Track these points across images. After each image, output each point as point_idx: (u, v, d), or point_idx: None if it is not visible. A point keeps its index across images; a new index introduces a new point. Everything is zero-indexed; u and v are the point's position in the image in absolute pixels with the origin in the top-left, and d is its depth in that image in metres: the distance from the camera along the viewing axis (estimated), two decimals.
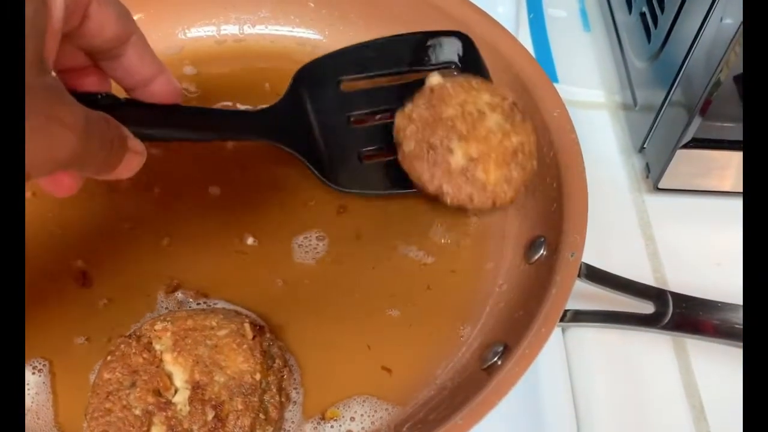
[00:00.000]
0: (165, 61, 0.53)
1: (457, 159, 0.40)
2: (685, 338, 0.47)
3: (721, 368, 0.47)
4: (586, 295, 0.42)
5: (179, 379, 0.37)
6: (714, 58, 0.46)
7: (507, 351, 0.38)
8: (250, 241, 0.46)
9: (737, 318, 0.39)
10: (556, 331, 0.48)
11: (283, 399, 0.38)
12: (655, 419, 0.46)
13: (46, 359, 0.41)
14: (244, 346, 0.38)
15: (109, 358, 0.38)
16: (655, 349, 0.49)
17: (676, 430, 0.45)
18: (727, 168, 0.53)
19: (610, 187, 0.59)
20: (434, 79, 0.44)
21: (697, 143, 0.51)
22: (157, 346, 0.38)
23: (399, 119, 0.43)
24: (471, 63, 0.48)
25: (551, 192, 0.43)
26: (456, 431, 0.34)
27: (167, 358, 0.37)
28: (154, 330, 0.38)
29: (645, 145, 0.57)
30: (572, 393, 0.46)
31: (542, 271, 0.40)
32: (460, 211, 0.46)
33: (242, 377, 0.36)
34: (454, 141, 0.40)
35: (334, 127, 0.46)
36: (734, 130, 0.50)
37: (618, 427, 0.45)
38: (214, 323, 0.38)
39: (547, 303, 0.37)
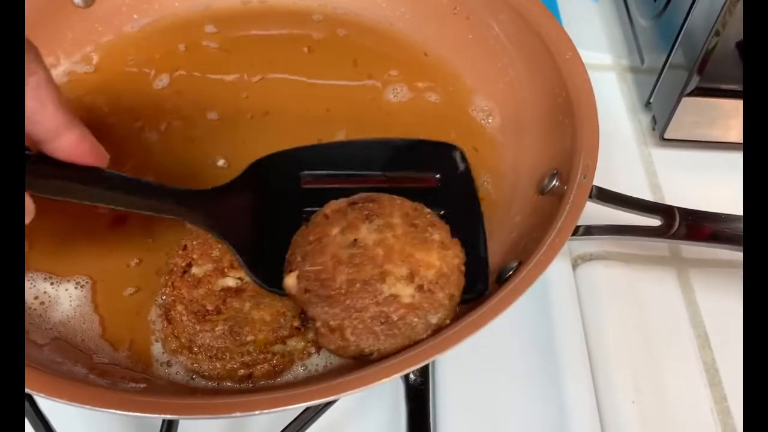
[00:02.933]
0: (188, 18, 0.58)
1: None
2: (689, 269, 0.50)
3: (724, 300, 0.49)
4: (596, 217, 0.44)
5: None
6: (714, 10, 0.48)
7: (520, 266, 0.40)
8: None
9: (739, 226, 0.41)
10: (567, 268, 0.51)
11: None
12: (663, 349, 0.48)
13: (90, 277, 0.43)
14: None
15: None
16: (661, 284, 0.51)
17: (682, 358, 0.47)
18: (732, 117, 0.55)
19: (617, 142, 0.61)
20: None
21: (702, 91, 0.53)
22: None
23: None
24: (457, 178, 0.47)
25: (563, 129, 0.46)
26: (463, 333, 0.35)
27: None
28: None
29: (651, 100, 0.60)
30: (583, 327, 0.48)
31: (555, 199, 0.42)
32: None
33: None
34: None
35: (283, 224, 0.42)
36: (737, 78, 0.52)
37: (627, 355, 0.47)
38: None
39: (560, 219, 0.39)
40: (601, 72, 0.66)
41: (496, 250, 0.44)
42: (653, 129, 0.60)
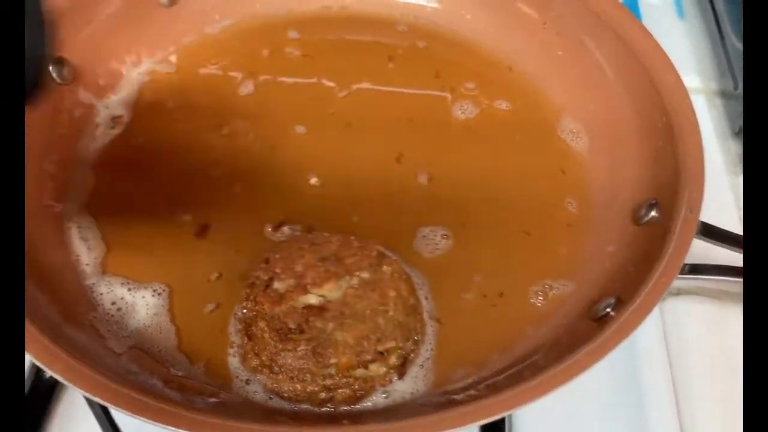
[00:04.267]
0: (269, 21, 0.57)
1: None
2: None
3: None
4: (695, 253, 0.42)
5: None
6: None
7: (619, 303, 0.37)
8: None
9: None
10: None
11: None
12: None
13: (168, 285, 0.42)
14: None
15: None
16: None
17: None
18: None
19: (706, 170, 0.58)
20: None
21: None
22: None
23: None
24: None
25: (664, 156, 0.43)
26: (564, 376, 0.33)
27: None
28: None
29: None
30: (670, 366, 0.45)
31: (655, 231, 0.40)
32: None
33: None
34: None
35: None
36: None
37: (717, 399, 0.45)
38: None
39: (665, 257, 0.37)
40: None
41: (587, 281, 0.42)
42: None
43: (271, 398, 0.37)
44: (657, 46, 0.47)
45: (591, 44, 0.51)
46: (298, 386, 0.37)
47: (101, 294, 0.41)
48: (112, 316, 0.40)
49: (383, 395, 0.38)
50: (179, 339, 0.40)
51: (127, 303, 0.41)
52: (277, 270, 0.40)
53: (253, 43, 0.55)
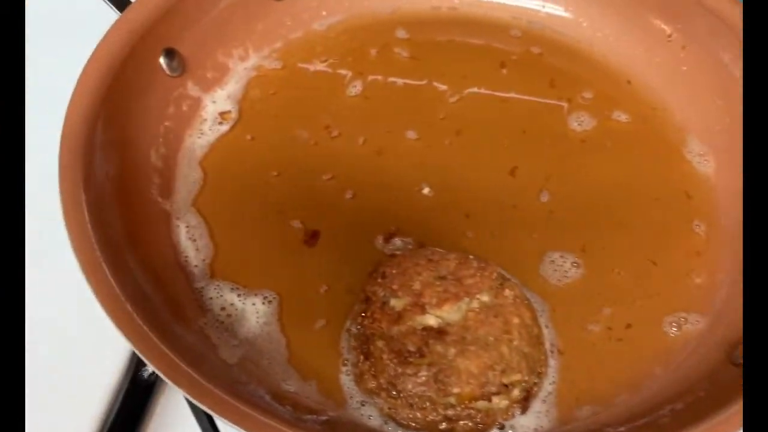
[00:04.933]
0: (376, 19, 0.55)
1: None
2: None
3: None
4: None
5: None
6: None
7: None
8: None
9: None
10: None
11: None
12: None
13: (277, 294, 0.40)
14: None
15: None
16: None
17: None
18: None
19: None
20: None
21: None
22: None
23: None
24: None
25: None
26: None
27: None
28: None
29: None
30: None
31: None
32: None
33: None
34: None
35: None
36: None
37: None
38: None
39: None
40: None
41: (724, 318, 0.39)
42: None
43: (386, 423, 0.36)
44: None
45: (725, 59, 0.48)
46: (418, 414, 0.35)
47: (210, 298, 0.40)
48: (222, 322, 0.39)
49: (508, 430, 0.35)
50: (290, 352, 0.39)
51: (236, 309, 0.40)
52: (395, 287, 0.38)
53: (360, 42, 0.53)
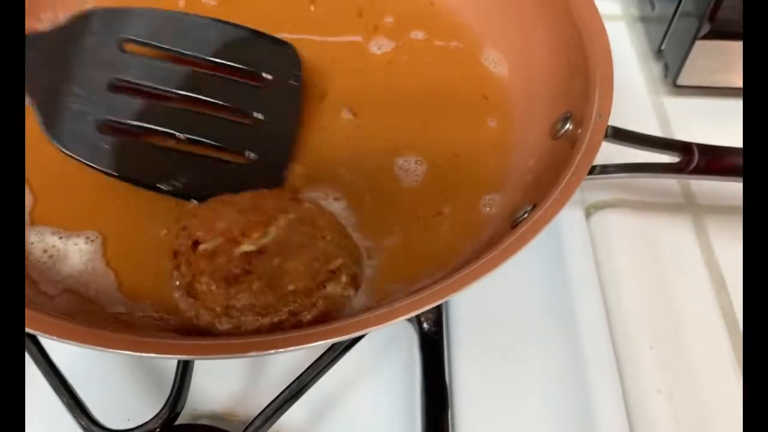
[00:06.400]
0: None
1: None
2: (704, 215, 0.51)
3: (740, 244, 0.48)
4: (611, 160, 0.43)
5: None
6: None
7: (535, 208, 0.39)
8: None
9: None
10: (580, 217, 0.50)
11: None
12: (680, 295, 0.47)
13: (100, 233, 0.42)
14: None
15: None
16: (676, 230, 0.50)
17: (699, 302, 0.47)
18: None
19: (629, 92, 0.60)
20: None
21: (715, 34, 0.52)
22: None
23: None
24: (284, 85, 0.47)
25: (576, 71, 0.45)
26: (477, 274, 0.34)
27: None
28: None
29: (663, 47, 0.58)
30: (598, 276, 0.47)
31: (570, 141, 0.42)
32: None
33: None
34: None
35: (89, 82, 0.44)
36: None
37: (644, 303, 0.47)
38: None
39: (576, 159, 0.38)
40: (610, 22, 0.64)
41: (508, 196, 0.44)
42: (665, 77, 0.59)
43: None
44: None
45: None
46: (265, 321, 0.36)
47: (32, 243, 0.42)
48: (44, 263, 0.41)
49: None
50: (119, 281, 0.41)
51: (58, 250, 0.41)
52: (199, 233, 0.39)
53: None
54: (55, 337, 0.32)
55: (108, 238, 0.42)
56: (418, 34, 0.54)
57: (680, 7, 0.54)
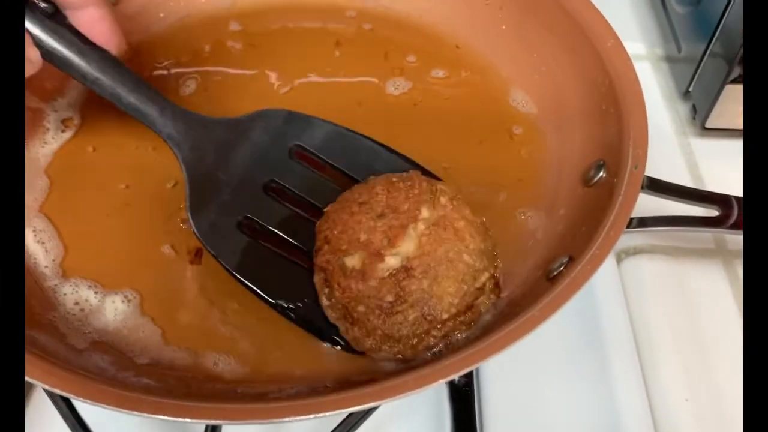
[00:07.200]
0: (212, 18, 0.56)
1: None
2: (735, 260, 0.50)
3: None
4: (645, 210, 0.43)
5: None
6: None
7: (572, 261, 0.38)
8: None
9: None
10: (612, 263, 0.49)
11: None
12: (714, 343, 0.47)
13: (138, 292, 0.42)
14: None
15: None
16: (708, 276, 0.50)
17: (734, 351, 0.46)
18: None
19: (655, 133, 0.59)
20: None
21: None
22: None
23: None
24: None
25: (608, 118, 0.44)
26: (515, 335, 0.34)
27: None
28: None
29: (690, 89, 0.58)
30: (630, 323, 0.47)
31: (603, 191, 0.41)
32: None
33: None
34: None
35: (249, 178, 0.43)
36: None
37: (678, 351, 0.46)
38: None
39: (613, 212, 0.38)
40: (634, 62, 0.64)
41: (541, 245, 0.43)
42: (693, 118, 0.58)
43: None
44: (596, 12, 0.49)
45: (533, 17, 0.52)
46: (420, 346, 0.38)
47: (65, 294, 0.41)
48: (74, 315, 0.40)
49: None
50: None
51: (91, 305, 0.41)
52: (343, 247, 0.39)
53: (196, 40, 0.55)
54: (81, 398, 0.31)
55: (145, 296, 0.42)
56: (439, 73, 0.54)
57: (709, 48, 0.54)
